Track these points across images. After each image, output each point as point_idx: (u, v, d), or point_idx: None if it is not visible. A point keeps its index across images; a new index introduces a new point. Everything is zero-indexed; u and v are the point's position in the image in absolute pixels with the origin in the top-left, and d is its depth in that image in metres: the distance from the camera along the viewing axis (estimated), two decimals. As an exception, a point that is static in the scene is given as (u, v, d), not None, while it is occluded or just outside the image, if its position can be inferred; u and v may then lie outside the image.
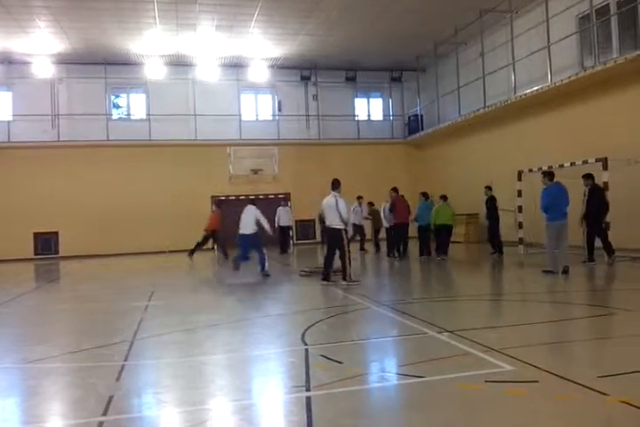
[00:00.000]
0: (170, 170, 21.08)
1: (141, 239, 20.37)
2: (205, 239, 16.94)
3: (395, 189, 14.62)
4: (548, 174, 10.13)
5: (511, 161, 16.28)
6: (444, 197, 14.43)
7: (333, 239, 9.60)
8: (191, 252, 16.93)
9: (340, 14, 17.00)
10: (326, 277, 9.68)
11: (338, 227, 9.43)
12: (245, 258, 11.86)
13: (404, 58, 22.00)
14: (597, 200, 10.88)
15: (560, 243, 9.79)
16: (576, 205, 10.79)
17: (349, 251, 9.55)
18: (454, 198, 20.21)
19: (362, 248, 17.17)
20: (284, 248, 18.04)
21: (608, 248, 11.01)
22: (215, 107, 21.80)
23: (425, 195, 15.12)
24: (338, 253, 9.62)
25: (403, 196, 14.97)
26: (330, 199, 9.57)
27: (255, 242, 11.44)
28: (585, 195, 11.06)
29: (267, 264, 11.32)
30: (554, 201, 9.63)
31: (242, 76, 22.11)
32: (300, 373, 4.36)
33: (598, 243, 11.24)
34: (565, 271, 9.61)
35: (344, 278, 9.46)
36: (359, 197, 17.52)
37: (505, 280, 10.36)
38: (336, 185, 9.72)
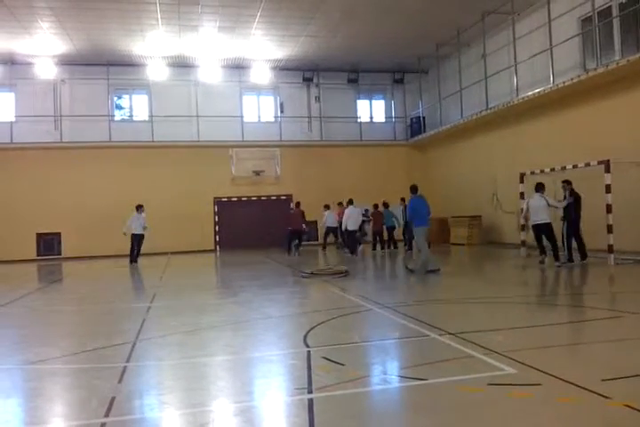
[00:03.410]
0: (172, 171, 21.11)
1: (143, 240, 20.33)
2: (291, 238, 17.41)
3: (297, 204, 18.06)
4: (412, 188, 11.53)
5: (513, 163, 16.28)
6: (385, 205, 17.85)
7: (548, 231, 11.42)
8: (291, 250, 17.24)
9: (342, 16, 17.01)
10: (568, 257, 11.62)
11: (549, 221, 11.37)
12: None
13: (406, 59, 22.01)
14: (579, 204, 11.64)
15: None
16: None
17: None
18: (456, 200, 20.29)
19: (324, 248, 19.11)
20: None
21: (584, 251, 11.77)
22: (217, 108, 21.82)
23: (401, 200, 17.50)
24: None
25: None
26: (539, 200, 11.45)
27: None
28: (565, 198, 11.79)
29: None
30: (417, 211, 11.20)
31: (244, 78, 22.14)
32: (302, 375, 4.36)
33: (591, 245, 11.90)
34: (433, 271, 10.91)
35: (556, 260, 11.26)
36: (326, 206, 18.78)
37: (506, 282, 10.32)
38: (541, 187, 11.60)
